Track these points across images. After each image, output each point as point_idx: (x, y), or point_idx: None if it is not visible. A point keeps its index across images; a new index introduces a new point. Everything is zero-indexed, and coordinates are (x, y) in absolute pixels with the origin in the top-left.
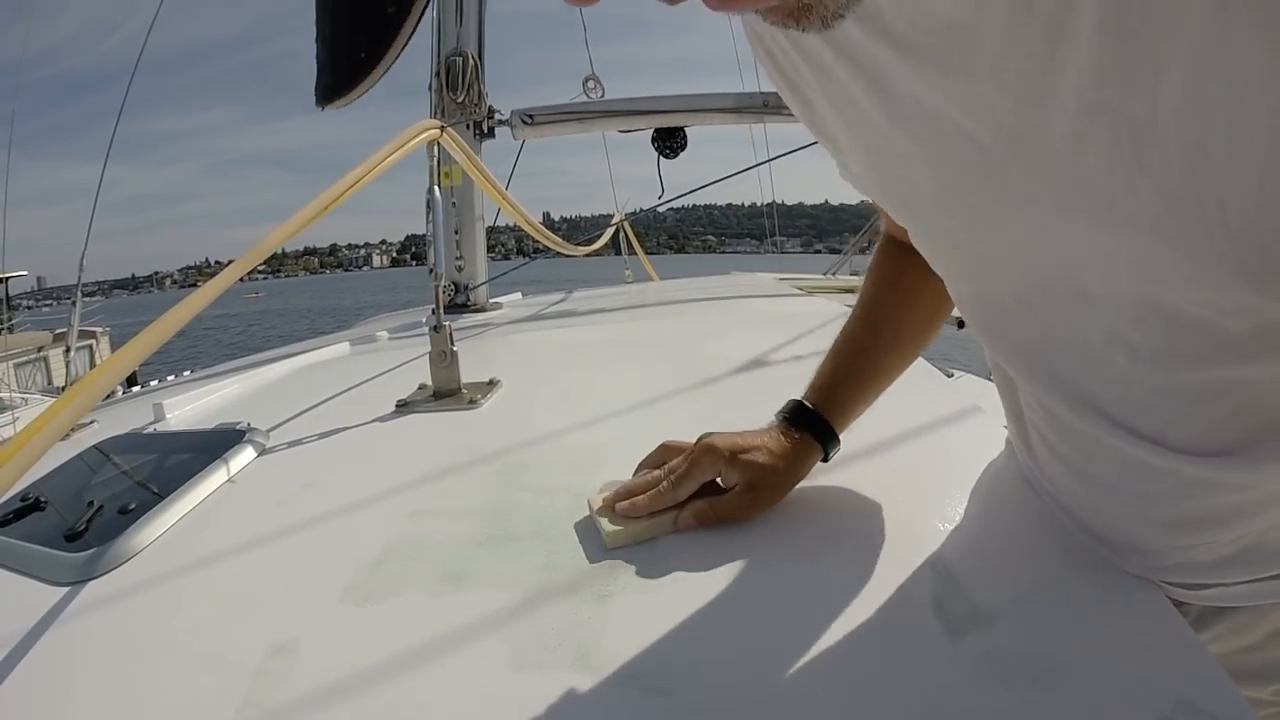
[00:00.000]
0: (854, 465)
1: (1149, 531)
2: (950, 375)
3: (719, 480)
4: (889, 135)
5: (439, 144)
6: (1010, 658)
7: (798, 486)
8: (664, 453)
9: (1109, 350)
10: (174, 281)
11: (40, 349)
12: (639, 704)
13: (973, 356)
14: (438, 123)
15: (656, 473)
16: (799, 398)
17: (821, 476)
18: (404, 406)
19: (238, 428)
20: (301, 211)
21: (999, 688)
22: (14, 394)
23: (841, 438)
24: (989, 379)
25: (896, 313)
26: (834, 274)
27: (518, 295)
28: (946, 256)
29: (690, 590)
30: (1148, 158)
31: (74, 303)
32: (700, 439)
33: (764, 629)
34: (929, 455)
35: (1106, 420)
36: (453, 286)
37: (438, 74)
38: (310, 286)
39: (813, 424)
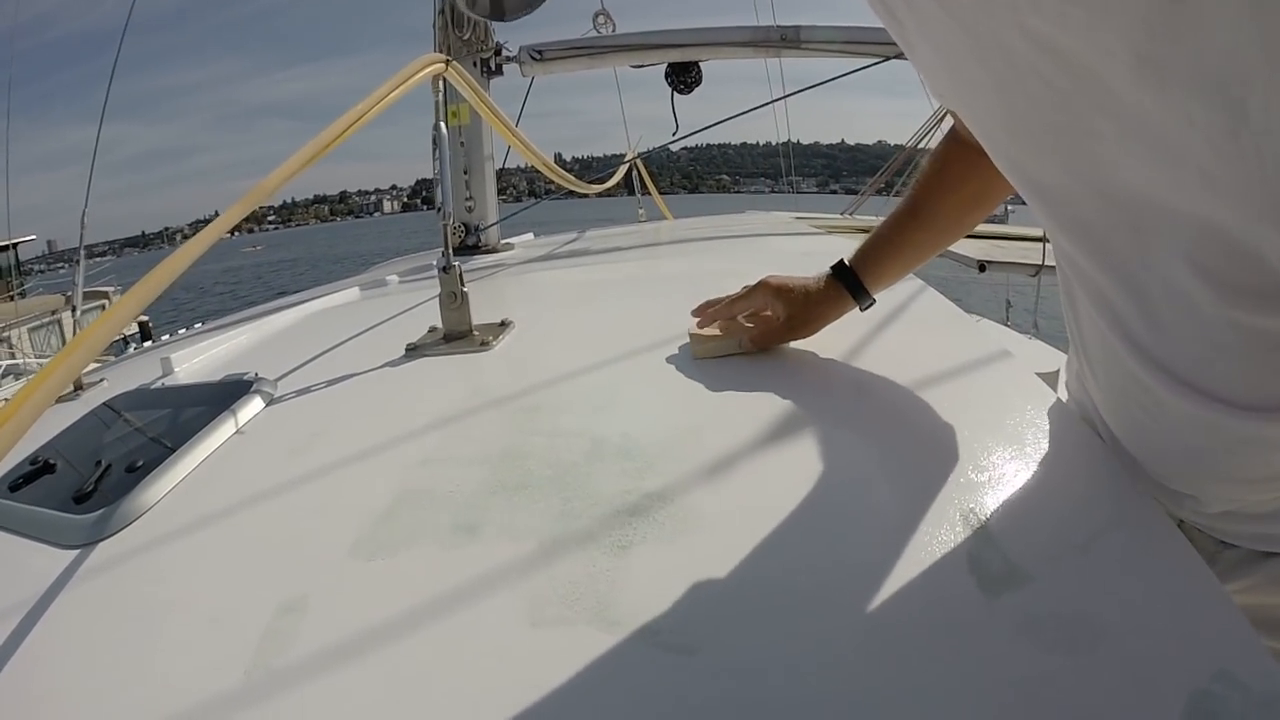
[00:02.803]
0: (885, 409)
1: (1200, 481)
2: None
3: (769, 313)
4: (967, 62)
5: (444, 79)
6: (1047, 620)
7: (826, 427)
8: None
9: (1166, 294)
10: (184, 236)
11: (54, 312)
12: (661, 663)
13: (989, 305)
14: (443, 56)
15: (724, 296)
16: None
17: (853, 419)
18: (414, 350)
19: (245, 378)
20: (301, 151)
21: (1035, 651)
22: (28, 359)
23: (872, 382)
24: (1007, 324)
25: (937, 195)
26: (851, 214)
27: (530, 235)
28: (1019, 177)
29: (712, 542)
30: (1194, 111)
31: (77, 262)
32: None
33: (790, 584)
34: (960, 400)
35: (1163, 370)
36: (463, 228)
37: (442, 11)
38: (320, 235)
39: (846, 278)
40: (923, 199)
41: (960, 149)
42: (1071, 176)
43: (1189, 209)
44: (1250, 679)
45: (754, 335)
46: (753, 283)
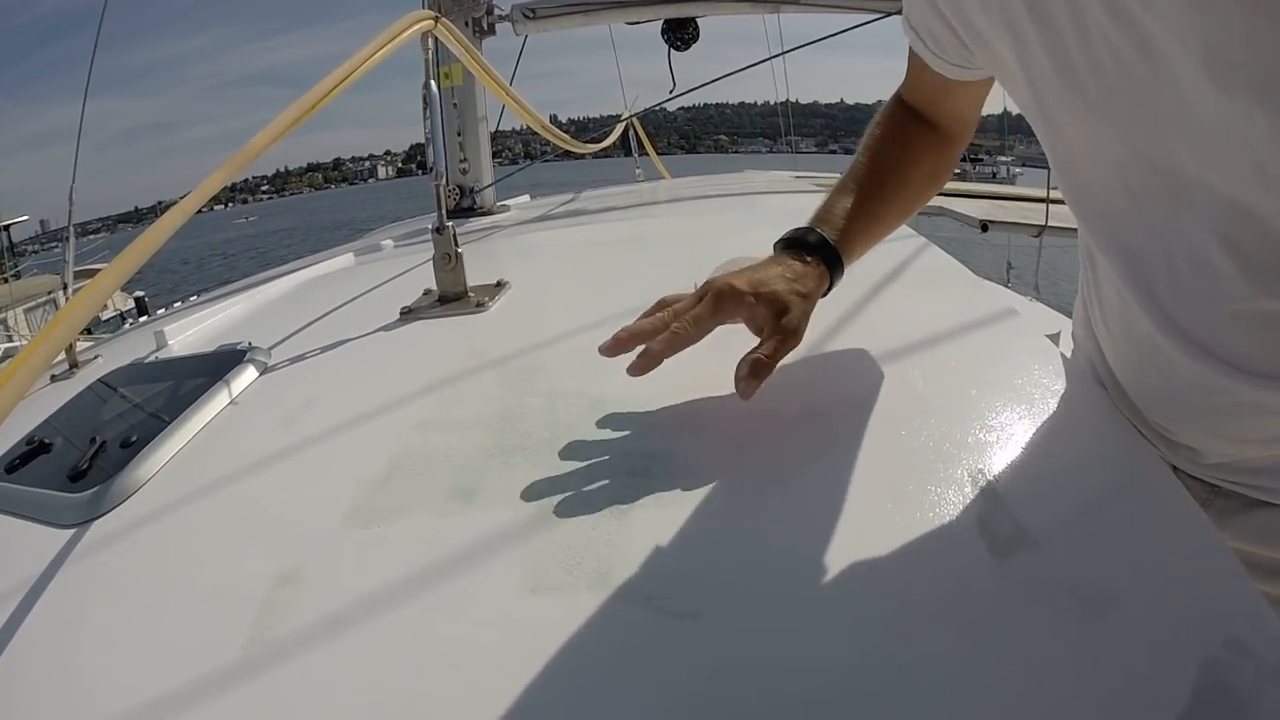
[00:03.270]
0: (891, 369)
1: (1200, 436)
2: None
3: (744, 322)
4: (1021, 13)
5: (434, 38)
6: (1057, 584)
7: (831, 393)
8: (662, 306)
9: (1191, 260)
10: None
11: (50, 293)
12: (664, 628)
13: (992, 267)
14: (431, 13)
15: (661, 315)
16: (807, 225)
17: (858, 377)
18: (409, 313)
19: (238, 348)
20: (283, 115)
21: (1047, 615)
22: (24, 340)
23: (876, 339)
24: (1008, 285)
25: (904, 168)
26: None
27: (525, 198)
28: (1054, 136)
29: (716, 506)
30: (1257, 112)
31: (66, 239)
32: (707, 283)
33: (795, 547)
34: (967, 359)
35: (1177, 331)
36: (458, 190)
37: None
38: (314, 203)
39: (825, 252)
40: (889, 171)
41: (918, 122)
42: (1118, 141)
43: (1234, 194)
44: (1260, 647)
45: (756, 366)
46: (738, 256)
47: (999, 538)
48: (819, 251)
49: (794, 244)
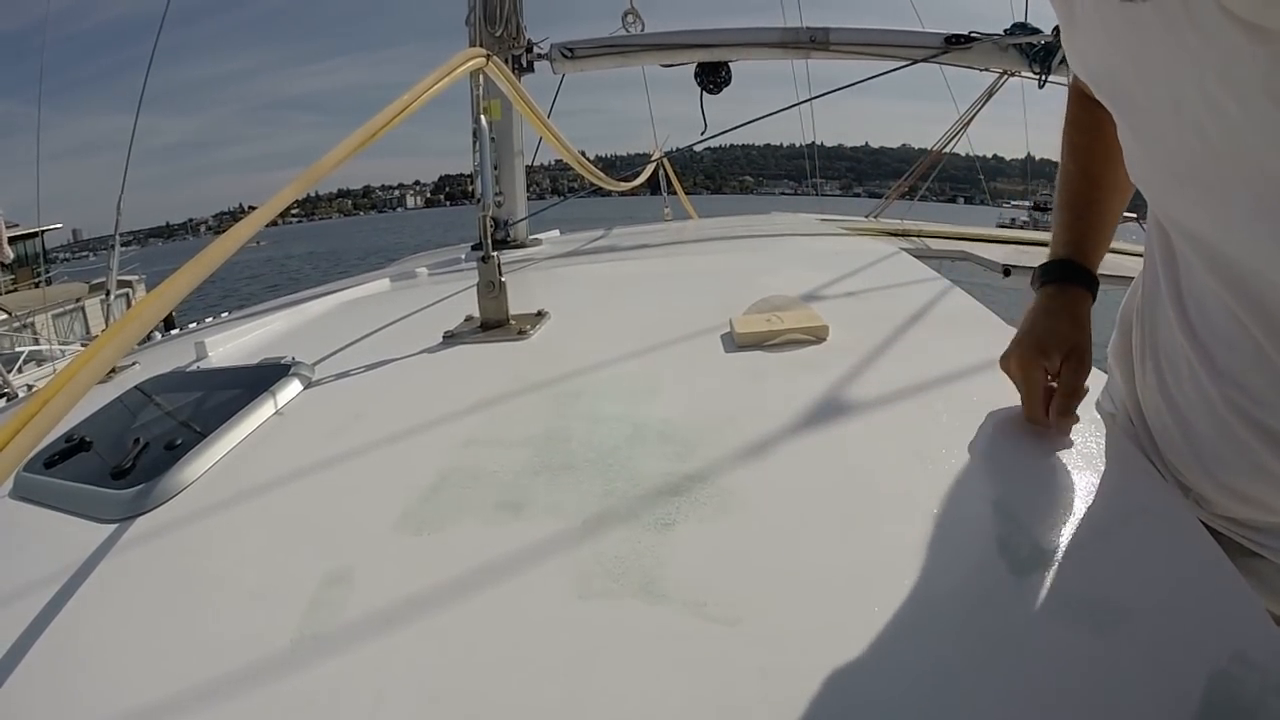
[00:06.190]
0: (917, 404)
1: (1211, 487)
2: None
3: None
4: (1131, 85)
5: (483, 74)
6: (1074, 598)
7: (860, 417)
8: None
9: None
10: (209, 228)
11: (78, 300)
12: (706, 633)
13: (1014, 311)
14: (483, 51)
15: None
16: (1056, 257)
17: (885, 410)
18: (452, 337)
19: (283, 362)
20: (349, 139)
21: (1063, 627)
22: (53, 346)
23: (903, 377)
24: None
25: (1107, 159)
26: (876, 217)
27: (555, 232)
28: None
29: (753, 521)
30: None
31: (112, 247)
32: (1007, 357)
33: (829, 561)
34: (990, 396)
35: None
36: (492, 222)
37: (474, 8)
38: (341, 229)
39: (1081, 277)
40: (1097, 167)
41: (1100, 110)
42: (1195, 218)
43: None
44: (1265, 660)
45: (1064, 410)
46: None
47: (1018, 557)
48: (1077, 280)
49: (1060, 276)
